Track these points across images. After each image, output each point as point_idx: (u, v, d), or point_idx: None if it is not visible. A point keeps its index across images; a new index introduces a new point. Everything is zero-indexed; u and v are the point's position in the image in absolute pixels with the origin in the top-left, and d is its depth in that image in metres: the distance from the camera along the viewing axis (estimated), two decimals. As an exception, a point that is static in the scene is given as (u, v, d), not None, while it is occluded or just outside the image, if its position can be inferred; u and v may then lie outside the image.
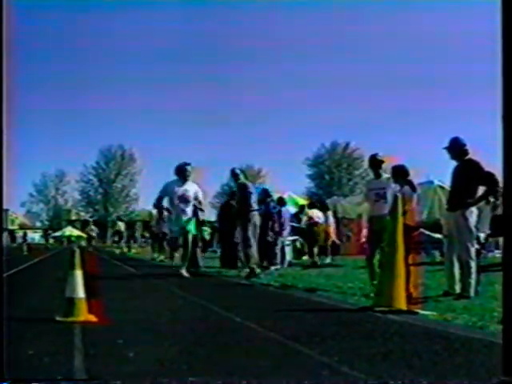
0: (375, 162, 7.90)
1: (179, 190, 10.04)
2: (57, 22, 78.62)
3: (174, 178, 10.24)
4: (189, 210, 10.14)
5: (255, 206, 10.54)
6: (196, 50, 79.34)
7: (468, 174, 6.57)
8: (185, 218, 10.08)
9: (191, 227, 10.21)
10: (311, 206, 17.27)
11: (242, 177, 10.69)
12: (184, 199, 10.04)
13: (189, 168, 10.14)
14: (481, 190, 6.69)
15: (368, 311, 5.33)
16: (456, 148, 6.70)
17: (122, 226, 31.51)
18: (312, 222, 15.50)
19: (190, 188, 10.16)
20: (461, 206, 6.54)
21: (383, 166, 7.93)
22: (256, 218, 10.46)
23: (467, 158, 6.67)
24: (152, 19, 75.28)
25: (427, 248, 15.45)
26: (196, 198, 10.26)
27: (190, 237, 10.17)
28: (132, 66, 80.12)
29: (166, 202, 10.49)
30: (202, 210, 10.71)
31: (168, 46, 75.62)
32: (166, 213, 11.00)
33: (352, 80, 71.13)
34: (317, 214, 15.88)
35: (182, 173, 10.12)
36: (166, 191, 10.24)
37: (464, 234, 6.53)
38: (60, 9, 72.99)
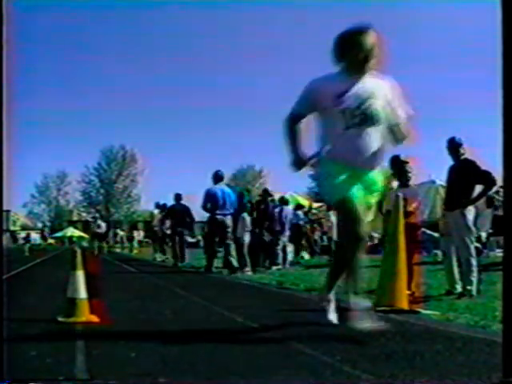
0: (398, 163, 7.77)
1: (345, 91, 3.96)
2: (57, 23, 78.56)
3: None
4: (376, 138, 4.02)
5: (220, 209, 11.24)
6: (195, 50, 79.36)
7: (465, 173, 6.65)
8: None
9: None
10: (298, 207, 17.72)
11: (212, 182, 11.48)
12: (362, 117, 3.97)
13: (364, 38, 3.95)
14: (477, 188, 6.75)
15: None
16: (453, 148, 6.78)
17: (103, 225, 31.98)
18: (294, 223, 15.70)
19: (370, 85, 4.06)
20: (459, 205, 6.59)
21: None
22: (224, 219, 11.25)
23: (464, 157, 6.74)
24: (154, 20, 75.39)
25: (429, 247, 15.46)
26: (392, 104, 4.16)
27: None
28: (133, 66, 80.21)
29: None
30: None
31: (168, 47, 75.73)
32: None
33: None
34: (299, 215, 16.29)
35: (346, 43, 4.01)
36: (314, 100, 4.06)
37: (464, 233, 6.57)
38: (61, 9, 72.99)
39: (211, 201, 11.31)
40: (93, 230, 23.16)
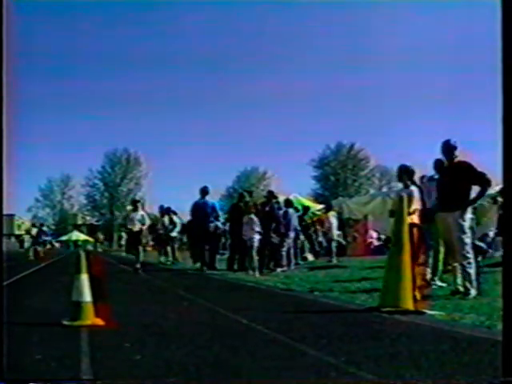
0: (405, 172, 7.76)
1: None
2: (60, 25, 78.76)
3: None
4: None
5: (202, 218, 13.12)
6: (197, 53, 79.37)
7: (461, 175, 6.69)
8: None
9: None
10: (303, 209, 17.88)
11: (199, 196, 13.49)
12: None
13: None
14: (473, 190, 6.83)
15: (375, 311, 5.32)
16: (447, 150, 6.82)
17: (34, 230, 32.01)
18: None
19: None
20: (458, 206, 6.63)
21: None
22: (206, 227, 13.06)
23: (458, 159, 6.79)
24: (157, 24, 75.57)
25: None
26: None
27: None
28: (137, 69, 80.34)
29: None
30: None
31: (171, 51, 75.85)
32: None
33: (356, 82, 71.09)
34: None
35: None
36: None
37: (461, 233, 6.61)
38: (64, 11, 73.17)
39: (196, 211, 13.53)
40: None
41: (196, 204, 13.62)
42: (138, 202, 14.71)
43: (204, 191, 13.66)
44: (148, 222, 14.14)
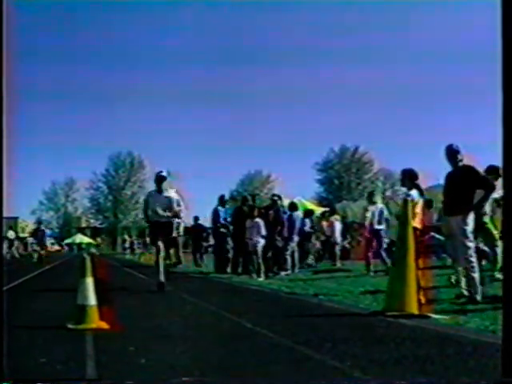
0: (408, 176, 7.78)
1: None
2: (65, 24, 78.98)
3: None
4: None
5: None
6: (202, 55, 79.51)
7: (465, 179, 6.71)
8: None
9: None
10: (306, 213, 17.85)
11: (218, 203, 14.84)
12: None
13: None
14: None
15: (379, 315, 5.31)
16: (451, 155, 6.83)
17: (11, 234, 31.87)
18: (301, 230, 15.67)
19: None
20: (461, 210, 6.64)
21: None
22: (222, 230, 14.41)
23: (462, 163, 6.80)
24: (164, 27, 75.77)
25: (438, 251, 15.38)
26: None
27: None
28: (142, 72, 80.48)
29: None
30: None
31: (175, 52, 75.99)
32: None
33: (361, 84, 71.09)
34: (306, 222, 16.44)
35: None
36: None
37: (464, 237, 6.61)
38: (64, 10, 73.41)
39: (214, 217, 14.89)
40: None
41: (215, 211, 15.03)
42: (164, 179, 9.35)
43: (220, 199, 15.07)
44: (182, 204, 9.45)
